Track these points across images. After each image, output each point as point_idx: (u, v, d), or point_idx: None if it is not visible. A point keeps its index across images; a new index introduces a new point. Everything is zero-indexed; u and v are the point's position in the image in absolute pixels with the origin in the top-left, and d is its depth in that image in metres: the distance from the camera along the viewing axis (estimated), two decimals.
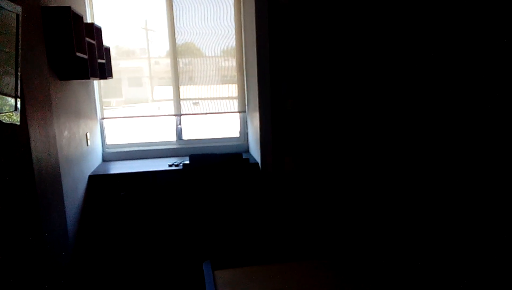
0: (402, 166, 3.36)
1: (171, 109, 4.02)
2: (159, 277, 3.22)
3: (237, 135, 4.17)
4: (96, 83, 3.76)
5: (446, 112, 2.65)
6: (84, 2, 3.47)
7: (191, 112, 4.05)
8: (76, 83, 3.05)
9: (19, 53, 1.65)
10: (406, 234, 3.12)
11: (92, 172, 3.41)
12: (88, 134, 3.37)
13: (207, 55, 3.97)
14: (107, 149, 3.94)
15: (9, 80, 1.62)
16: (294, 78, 3.48)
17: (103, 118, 3.89)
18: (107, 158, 3.90)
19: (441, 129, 2.73)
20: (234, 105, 4.09)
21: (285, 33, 3.38)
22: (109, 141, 3.97)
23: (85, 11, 3.48)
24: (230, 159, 3.40)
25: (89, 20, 3.55)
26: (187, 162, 3.37)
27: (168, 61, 3.96)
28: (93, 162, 3.55)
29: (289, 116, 3.50)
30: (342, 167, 3.55)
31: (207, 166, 3.38)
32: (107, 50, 3.42)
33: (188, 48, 3.93)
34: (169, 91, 4.02)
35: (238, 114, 4.12)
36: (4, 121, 1.53)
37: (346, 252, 2.52)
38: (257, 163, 3.57)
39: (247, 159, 3.48)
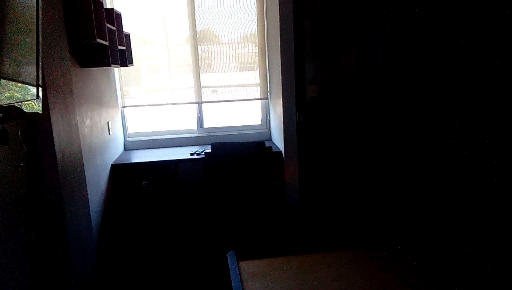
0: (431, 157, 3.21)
1: (190, 97, 3.95)
2: (183, 267, 3.20)
3: (259, 123, 4.08)
4: (117, 70, 3.72)
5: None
6: None
7: (212, 100, 3.98)
8: (97, 71, 3.01)
9: (40, 41, 1.58)
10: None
11: (114, 161, 3.39)
12: (109, 122, 3.33)
13: (226, 41, 3.86)
14: (128, 138, 3.91)
15: (31, 69, 1.56)
16: (320, 63, 3.35)
17: (124, 107, 3.85)
18: (129, 147, 3.88)
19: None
20: (256, 92, 3.99)
21: (310, 16, 3.24)
22: (130, 130, 3.95)
23: None
24: (253, 148, 3.32)
25: (108, 6, 3.49)
26: (209, 150, 3.31)
27: (186, 48, 3.87)
28: (115, 151, 3.52)
29: (314, 102, 3.38)
30: (370, 157, 3.42)
31: (229, 154, 3.31)
32: (127, 36, 3.36)
33: (207, 35, 3.83)
34: (187, 79, 3.94)
35: (260, 101, 4.02)
36: (26, 110, 1.48)
37: (376, 243, 2.42)
38: (281, 152, 3.48)
39: (270, 148, 3.39)
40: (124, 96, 3.86)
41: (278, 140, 3.66)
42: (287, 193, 3.47)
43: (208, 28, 3.82)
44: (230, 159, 3.31)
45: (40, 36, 1.59)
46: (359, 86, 3.33)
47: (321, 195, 3.49)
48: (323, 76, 3.38)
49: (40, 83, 1.60)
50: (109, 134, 3.32)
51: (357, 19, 3.23)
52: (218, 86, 3.97)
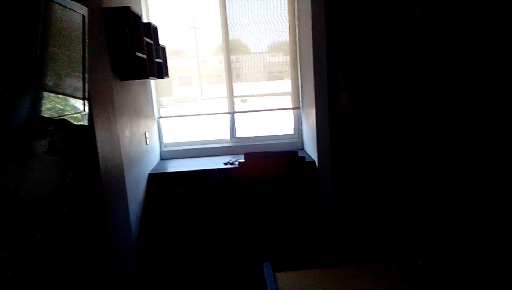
0: (471, 165, 3.09)
1: (220, 107, 4.00)
2: (217, 276, 3.21)
3: (291, 132, 4.07)
4: (153, 82, 3.83)
5: None
6: (140, 1, 3.53)
7: (244, 110, 4.01)
8: (135, 83, 3.11)
9: (86, 55, 1.66)
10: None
11: (151, 170, 3.47)
12: (147, 133, 3.43)
13: (255, 51, 3.90)
14: (164, 148, 4.00)
15: (72, 82, 1.63)
16: (353, 71, 3.31)
17: (160, 117, 3.95)
18: (165, 156, 3.97)
19: None
20: (287, 101, 3.99)
21: (342, 24, 3.22)
22: (165, 140, 4.04)
23: (141, 10, 3.53)
24: (286, 157, 3.31)
25: (144, 20, 3.60)
26: (242, 160, 3.32)
27: (216, 59, 3.95)
28: (152, 161, 3.61)
29: (348, 111, 3.34)
30: (405, 167, 3.33)
31: (262, 164, 3.31)
32: (163, 49, 3.46)
33: (236, 45, 3.88)
34: (217, 89, 4.00)
35: (292, 110, 4.01)
36: (74, 123, 1.55)
37: (414, 257, 2.34)
38: (314, 161, 3.45)
39: (303, 157, 3.37)
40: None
41: (311, 150, 3.64)
42: (321, 202, 3.43)
43: (237, 39, 3.87)
44: (263, 168, 3.31)
45: (87, 51, 1.67)
46: (393, 95, 3.27)
47: (355, 205, 3.43)
48: (356, 85, 3.34)
49: (86, 96, 1.67)
50: (147, 144, 3.41)
51: (391, 27, 3.18)
52: (249, 96, 4.00)
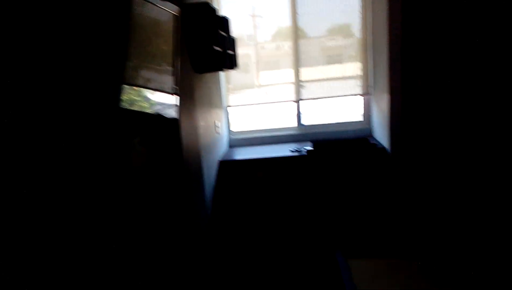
0: None
1: (280, 93, 4.04)
2: (287, 261, 3.30)
3: (360, 118, 3.99)
4: (222, 73, 3.93)
5: None
6: None
7: (311, 97, 3.98)
8: (208, 75, 3.23)
9: (177, 52, 1.77)
10: None
11: (221, 158, 3.61)
12: (216, 122, 3.56)
13: (312, 35, 3.86)
14: (232, 136, 4.13)
15: (164, 79, 1.76)
16: (429, 57, 3.16)
17: (228, 106, 4.07)
18: (232, 144, 4.10)
19: None
20: (350, 86, 3.88)
21: (419, 9, 3.08)
22: (232, 128, 4.16)
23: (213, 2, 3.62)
24: (356, 144, 3.28)
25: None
26: (310, 148, 3.35)
27: (273, 45, 4.00)
28: (221, 148, 3.76)
29: (422, 97, 3.21)
30: (480, 159, 3.15)
31: (331, 151, 3.31)
32: (234, 40, 3.53)
33: (293, 30, 3.85)
34: (274, 75, 4.04)
35: (360, 96, 3.92)
36: (167, 117, 1.67)
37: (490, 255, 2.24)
38: (385, 148, 3.38)
39: (374, 144, 3.32)
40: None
41: (380, 136, 3.56)
42: (392, 191, 3.36)
43: (299, 23, 3.83)
44: (332, 156, 3.31)
45: (178, 48, 1.78)
46: (480, 83, 3.08)
47: (428, 194, 3.31)
48: (434, 69, 3.19)
49: (177, 91, 1.79)
50: (217, 133, 3.55)
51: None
52: (314, 80, 3.94)
